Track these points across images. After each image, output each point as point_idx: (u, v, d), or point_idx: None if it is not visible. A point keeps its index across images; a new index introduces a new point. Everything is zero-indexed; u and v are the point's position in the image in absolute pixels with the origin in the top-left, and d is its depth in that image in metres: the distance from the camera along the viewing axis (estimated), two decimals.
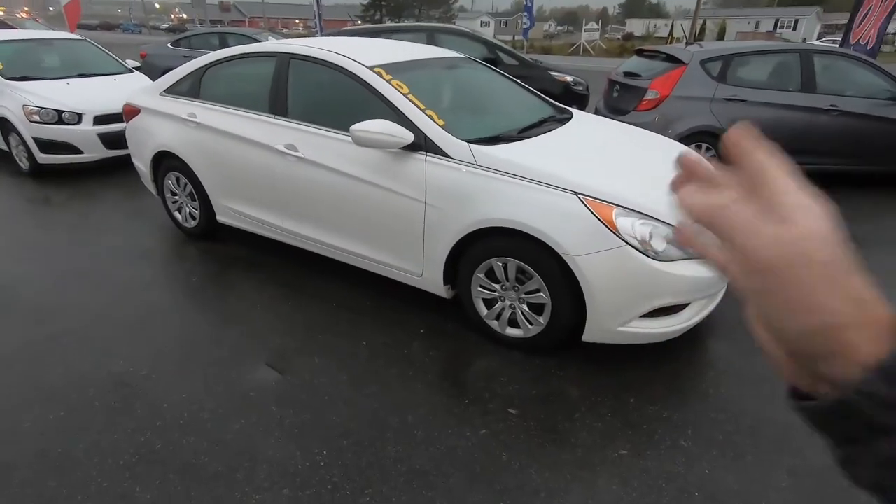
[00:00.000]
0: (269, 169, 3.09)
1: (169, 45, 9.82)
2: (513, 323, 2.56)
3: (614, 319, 2.27)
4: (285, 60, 3.07)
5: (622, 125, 3.41)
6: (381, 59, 2.91)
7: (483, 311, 2.62)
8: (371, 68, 2.79)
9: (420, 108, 2.61)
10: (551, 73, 6.98)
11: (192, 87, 3.52)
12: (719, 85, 4.80)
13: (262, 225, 3.35)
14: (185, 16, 72.64)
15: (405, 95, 2.66)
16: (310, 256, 3.27)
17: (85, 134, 5.15)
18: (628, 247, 2.15)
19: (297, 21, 66.66)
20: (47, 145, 5.11)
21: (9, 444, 2.03)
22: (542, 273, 2.33)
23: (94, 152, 5.24)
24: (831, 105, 4.79)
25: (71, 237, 4.00)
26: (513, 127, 2.84)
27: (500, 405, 2.25)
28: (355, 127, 2.49)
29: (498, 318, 2.59)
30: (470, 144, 2.47)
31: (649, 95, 4.88)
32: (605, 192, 2.24)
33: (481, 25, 57.83)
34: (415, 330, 2.78)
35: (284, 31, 49.01)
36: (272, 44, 3.24)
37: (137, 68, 6.58)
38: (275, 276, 3.36)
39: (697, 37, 29.35)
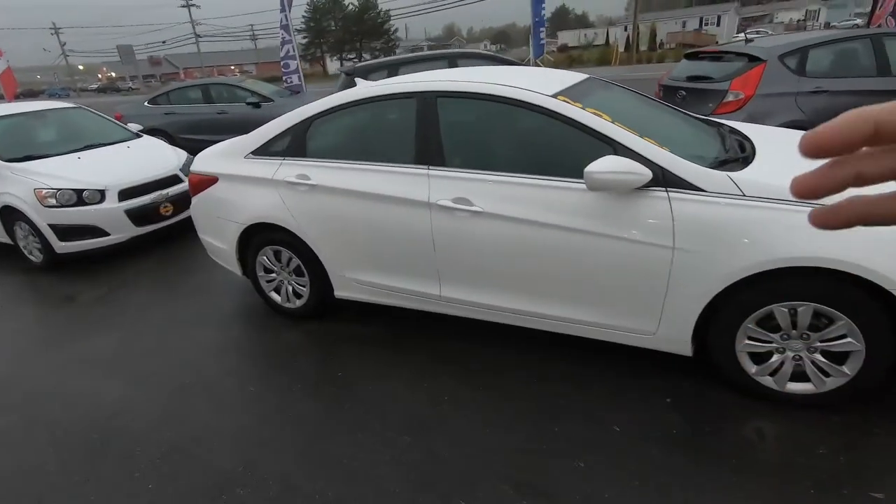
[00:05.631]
0: (424, 229, 2.56)
1: (146, 103, 9.01)
2: (793, 377, 2.14)
3: None
4: (431, 100, 2.58)
5: (792, 132, 3.04)
6: (555, 86, 2.48)
7: (750, 367, 2.18)
8: (553, 97, 2.35)
9: (638, 137, 2.19)
10: None
11: (292, 145, 2.95)
12: (800, 78, 4.65)
13: (409, 296, 2.80)
14: (113, 74, 69.77)
15: (612, 124, 2.23)
16: (448, 328, 2.74)
17: (110, 213, 4.40)
18: None
19: (232, 67, 65.52)
20: (67, 231, 4.32)
21: None
22: (854, 316, 1.92)
23: (123, 232, 4.49)
24: None
25: (122, 342, 3.24)
26: (712, 152, 2.45)
27: (856, 487, 1.80)
28: (591, 168, 2.03)
29: (773, 373, 2.16)
30: (728, 173, 2.06)
31: (730, 97, 4.67)
32: None
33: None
34: (658, 401, 2.30)
35: (222, 78, 47.71)
36: (405, 83, 2.71)
37: (141, 131, 5.85)
38: (424, 355, 2.79)
39: (636, 40, 30.72)
